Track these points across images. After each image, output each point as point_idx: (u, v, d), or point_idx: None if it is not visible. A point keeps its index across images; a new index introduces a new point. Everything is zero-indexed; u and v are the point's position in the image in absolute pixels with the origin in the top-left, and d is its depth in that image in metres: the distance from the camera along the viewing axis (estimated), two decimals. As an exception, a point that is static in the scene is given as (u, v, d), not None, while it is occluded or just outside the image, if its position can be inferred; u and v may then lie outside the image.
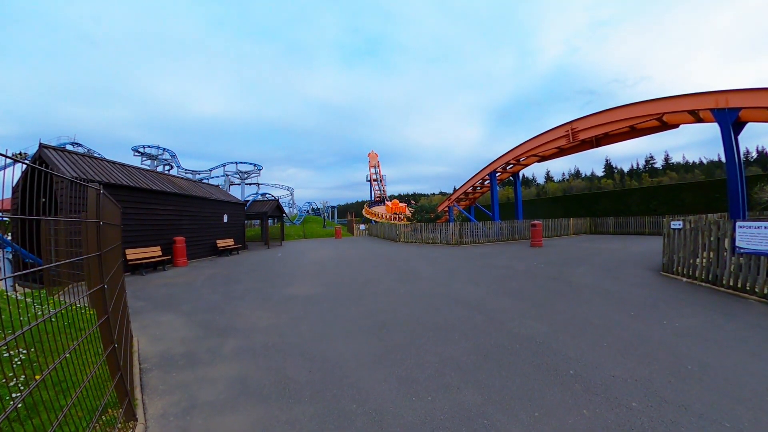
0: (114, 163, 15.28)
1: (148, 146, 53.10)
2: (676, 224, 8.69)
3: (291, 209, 68.17)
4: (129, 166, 16.17)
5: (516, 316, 6.00)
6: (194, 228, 17.91)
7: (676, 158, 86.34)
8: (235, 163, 60.50)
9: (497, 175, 25.59)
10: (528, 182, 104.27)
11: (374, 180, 63.36)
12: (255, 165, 62.41)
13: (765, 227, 6.36)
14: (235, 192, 57.24)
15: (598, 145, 20.49)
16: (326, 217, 69.65)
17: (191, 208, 17.86)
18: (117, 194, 12.73)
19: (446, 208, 31.40)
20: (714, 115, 11.87)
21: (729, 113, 11.39)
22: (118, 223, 4.81)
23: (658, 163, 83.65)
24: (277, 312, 6.89)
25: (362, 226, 42.45)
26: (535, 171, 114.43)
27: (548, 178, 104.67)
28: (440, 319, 5.99)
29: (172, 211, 16.29)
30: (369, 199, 60.21)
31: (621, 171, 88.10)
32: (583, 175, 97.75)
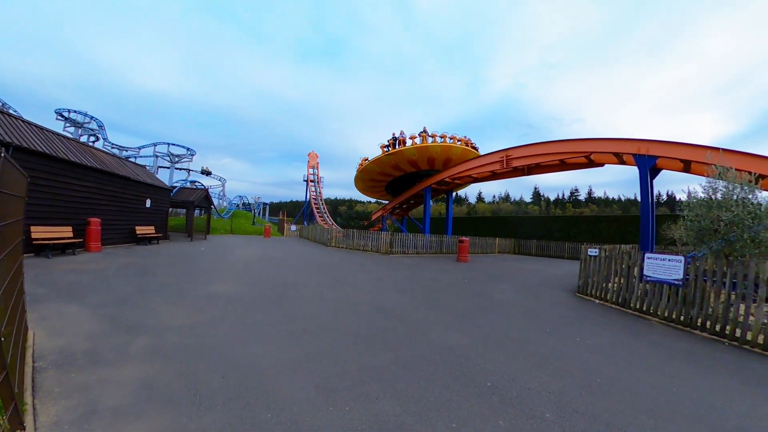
0: (31, 124, 13.28)
1: (75, 111, 47.01)
2: (593, 251, 9.56)
3: (221, 201, 64.51)
4: (49, 131, 14.11)
5: (438, 328, 6.10)
6: (113, 210, 16.12)
7: (598, 193, 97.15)
8: (168, 144, 55.69)
9: (432, 191, 26.45)
10: (461, 201, 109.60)
11: (311, 181, 62.30)
12: (188, 149, 58.08)
13: (668, 260, 7.31)
14: (163, 176, 52.68)
15: (529, 174, 22.15)
16: (257, 214, 66.87)
17: (112, 188, 16.07)
18: (29, 161, 11.10)
19: (380, 217, 31.70)
20: (635, 159, 13.40)
21: (648, 159, 12.95)
22: (23, 194, 4.07)
23: (582, 196, 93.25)
24: (195, 310, 6.40)
25: (293, 227, 41.29)
26: (469, 191, 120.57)
27: (480, 198, 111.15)
28: (363, 328, 5.90)
29: (91, 188, 14.49)
30: (304, 200, 58.92)
31: (547, 199, 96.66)
32: (512, 200, 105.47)
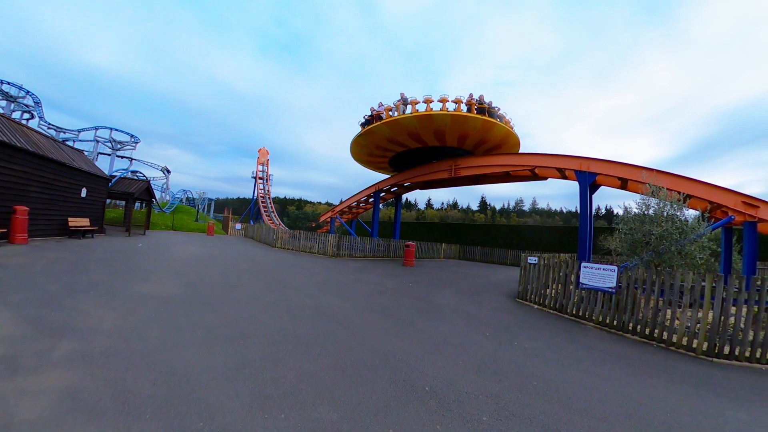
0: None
1: (7, 83, 41.91)
2: (533, 259, 9.95)
3: (163, 195, 60.40)
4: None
5: (379, 333, 6.01)
6: (44, 199, 14.41)
7: (542, 204, 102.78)
8: (110, 129, 51.28)
9: (381, 194, 26.57)
10: (410, 206, 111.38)
11: (260, 178, 60.39)
12: (132, 136, 53.79)
13: (602, 269, 7.81)
14: (103, 164, 48.35)
15: (476, 183, 22.89)
16: (201, 210, 63.51)
17: (45, 174, 14.35)
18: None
19: (329, 219, 31.33)
20: (577, 175, 14.21)
21: (588, 176, 13.79)
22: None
23: (526, 206, 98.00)
24: (126, 312, 5.83)
25: (238, 226, 39.74)
26: (418, 197, 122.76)
27: (429, 205, 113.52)
28: (303, 332, 5.67)
29: (20, 172, 12.87)
30: (251, 197, 56.87)
31: (493, 208, 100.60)
32: (460, 207, 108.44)
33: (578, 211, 14.57)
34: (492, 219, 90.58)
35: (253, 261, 14.96)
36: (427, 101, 18.63)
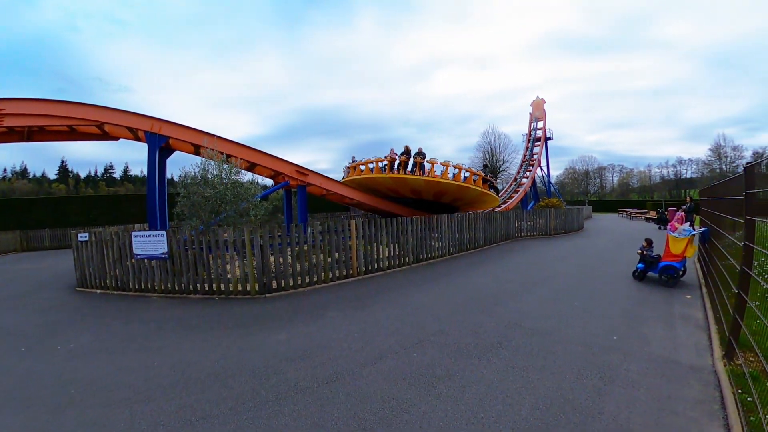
0: None
1: None
2: (83, 236, 8.82)
3: None
4: None
5: None
6: None
7: (136, 171, 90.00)
8: None
9: None
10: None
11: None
12: None
13: (153, 235, 7.88)
14: None
15: (30, 139, 17.71)
16: None
17: None
18: None
19: None
20: (147, 136, 13.45)
21: (159, 138, 13.22)
22: None
23: (118, 173, 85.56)
24: None
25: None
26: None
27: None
28: None
29: None
30: None
31: (77, 176, 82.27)
32: (33, 175, 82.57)
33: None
34: (75, 190, 74.44)
35: None
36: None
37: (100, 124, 15.13)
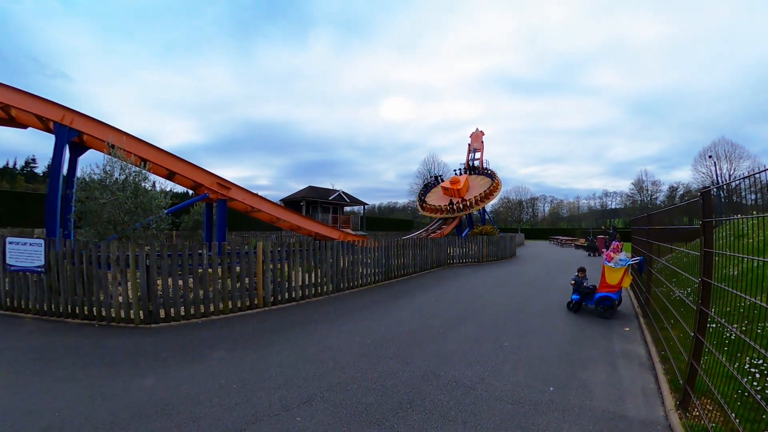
0: None
1: None
2: None
3: None
4: None
5: None
6: None
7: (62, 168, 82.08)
8: None
9: None
10: None
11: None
12: None
13: (29, 244, 6.96)
14: None
15: None
16: None
17: None
18: None
19: None
20: (56, 127, 12.31)
21: (70, 132, 12.22)
22: None
23: (41, 168, 77.52)
24: None
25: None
26: None
27: None
28: None
29: None
30: None
31: (-8, 168, 73.87)
32: None
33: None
34: (-8, 184, 66.45)
35: None
36: None
37: (4, 106, 13.90)
